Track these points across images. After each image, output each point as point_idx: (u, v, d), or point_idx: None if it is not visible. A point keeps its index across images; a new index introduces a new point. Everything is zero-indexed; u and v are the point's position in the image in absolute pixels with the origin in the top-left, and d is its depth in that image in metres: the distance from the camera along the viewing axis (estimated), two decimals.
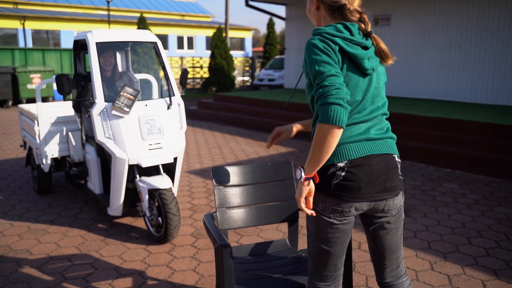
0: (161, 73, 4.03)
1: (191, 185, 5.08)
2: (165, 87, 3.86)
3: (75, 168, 4.46)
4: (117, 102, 3.28)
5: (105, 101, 3.43)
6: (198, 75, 19.78)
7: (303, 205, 1.58)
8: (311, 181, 1.56)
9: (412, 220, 3.90)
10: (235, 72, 20.11)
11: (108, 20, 18.73)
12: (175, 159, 3.74)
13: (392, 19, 9.83)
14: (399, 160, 1.66)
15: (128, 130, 3.41)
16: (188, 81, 19.00)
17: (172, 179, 3.87)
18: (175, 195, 3.72)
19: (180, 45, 26.27)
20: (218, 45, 17.38)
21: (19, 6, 24.25)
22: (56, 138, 4.38)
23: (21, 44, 20.73)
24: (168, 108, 3.62)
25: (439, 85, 9.20)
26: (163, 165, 3.87)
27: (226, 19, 20.56)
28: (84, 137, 4.21)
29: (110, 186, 3.64)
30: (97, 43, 3.54)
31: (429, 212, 4.11)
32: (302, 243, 3.43)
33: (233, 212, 2.24)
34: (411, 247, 3.35)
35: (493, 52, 8.26)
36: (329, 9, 1.62)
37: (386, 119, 1.68)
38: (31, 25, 21.12)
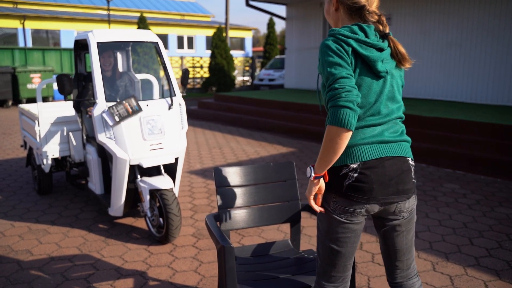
0: (161, 73, 4.03)
1: (191, 185, 5.08)
2: (166, 87, 3.85)
3: (75, 168, 4.45)
4: (114, 107, 3.25)
5: (106, 101, 3.42)
6: (198, 75, 19.77)
7: (312, 202, 1.61)
8: (321, 179, 1.59)
9: None
10: (235, 72, 20.10)
11: (108, 20, 18.72)
12: (176, 159, 3.73)
13: (393, 19, 9.83)
14: (413, 163, 1.66)
15: (129, 130, 3.40)
16: (188, 81, 18.98)
17: (173, 179, 3.86)
18: (176, 195, 3.71)
19: (180, 45, 26.26)
20: (218, 45, 17.37)
21: (19, 6, 24.23)
22: (57, 138, 4.38)
23: (21, 44, 20.72)
24: (169, 108, 3.61)
25: (439, 85, 9.19)
26: (164, 166, 3.87)
27: (226, 19, 20.55)
28: (84, 137, 4.20)
29: (111, 186, 3.63)
30: (98, 43, 3.53)
31: (430, 212, 4.11)
32: (304, 244, 3.43)
33: (235, 212, 2.24)
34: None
35: (493, 52, 8.26)
36: (348, 10, 1.62)
37: (402, 122, 1.67)
38: (31, 25, 21.11)
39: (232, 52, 25.78)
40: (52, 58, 15.83)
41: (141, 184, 3.46)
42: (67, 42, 22.09)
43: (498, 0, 8.08)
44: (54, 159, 4.60)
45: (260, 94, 11.07)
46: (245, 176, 2.27)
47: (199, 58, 20.14)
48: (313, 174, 1.56)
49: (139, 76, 4.50)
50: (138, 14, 26.64)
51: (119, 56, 4.58)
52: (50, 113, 4.60)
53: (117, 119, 3.24)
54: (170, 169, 3.86)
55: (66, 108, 5.19)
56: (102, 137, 3.38)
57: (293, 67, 12.57)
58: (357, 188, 1.54)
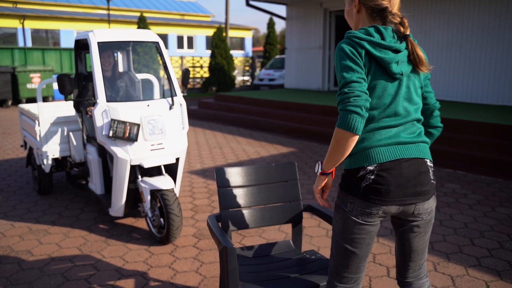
0: (162, 73, 4.02)
1: (192, 185, 5.07)
2: (167, 87, 3.84)
3: (76, 168, 4.45)
4: (115, 122, 3.24)
5: (107, 101, 3.42)
6: (198, 75, 19.76)
7: (318, 195, 1.69)
8: (329, 176, 1.65)
9: None
10: (235, 72, 20.09)
11: (108, 20, 18.71)
12: (177, 159, 3.72)
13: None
14: (432, 165, 1.66)
15: None
16: (189, 80, 18.98)
17: (174, 179, 3.86)
18: (177, 195, 3.71)
19: (180, 45, 26.25)
20: (218, 44, 17.36)
21: (19, 5, 24.21)
22: (57, 138, 4.37)
23: (21, 44, 20.70)
24: (170, 108, 3.60)
25: (439, 85, 9.19)
26: (165, 166, 3.86)
27: (226, 19, 20.54)
28: (85, 137, 4.19)
29: (112, 186, 3.62)
30: (98, 43, 3.52)
31: None
32: (306, 244, 3.42)
33: (237, 213, 2.23)
34: None
35: (493, 52, 8.26)
36: (371, 11, 1.62)
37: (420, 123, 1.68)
38: (30, 25, 21.09)
39: (232, 52, 25.77)
40: (52, 58, 15.81)
41: (142, 184, 3.45)
42: (67, 42, 22.07)
43: (499, 0, 8.08)
44: (55, 159, 4.59)
45: (260, 94, 11.06)
46: (247, 177, 2.27)
47: (199, 58, 20.14)
48: (320, 170, 1.62)
49: (140, 76, 4.49)
50: (138, 14, 26.62)
51: (119, 56, 4.57)
52: (50, 113, 4.59)
53: (111, 134, 3.24)
54: (171, 169, 3.85)
55: (66, 108, 5.18)
56: (102, 137, 3.37)
57: (293, 67, 12.57)
58: (374, 189, 1.55)
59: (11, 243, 3.49)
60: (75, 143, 4.28)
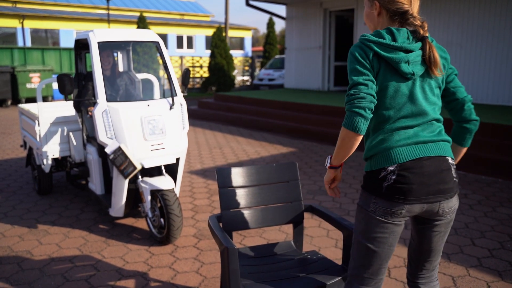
0: (161, 73, 4.02)
1: (192, 185, 5.06)
2: (167, 87, 3.84)
3: (76, 168, 4.44)
4: (121, 150, 3.24)
5: (107, 101, 3.41)
6: (198, 75, 19.75)
7: (327, 186, 1.79)
8: (337, 170, 1.73)
9: None
10: (235, 72, 20.09)
11: (108, 19, 18.69)
12: (178, 159, 3.71)
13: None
14: (453, 162, 1.66)
15: (130, 131, 3.39)
16: (189, 80, 18.99)
17: (174, 179, 3.85)
18: (178, 195, 3.70)
19: (180, 45, 26.23)
20: (218, 44, 17.35)
21: (18, 5, 24.18)
22: (57, 138, 4.36)
23: (20, 43, 20.68)
24: (171, 108, 3.60)
25: None
26: (165, 166, 3.85)
27: (226, 19, 20.53)
28: (85, 137, 4.18)
29: (112, 186, 3.61)
30: (99, 43, 3.51)
31: None
32: (307, 245, 3.42)
33: (238, 213, 2.22)
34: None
35: (493, 52, 8.25)
36: (392, 14, 1.64)
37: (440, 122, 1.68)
38: (30, 24, 21.06)
39: (231, 51, 25.76)
40: (52, 57, 15.80)
41: (142, 185, 3.44)
42: (67, 42, 22.05)
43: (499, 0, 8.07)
44: (54, 159, 4.58)
45: (260, 94, 11.06)
46: (248, 177, 2.26)
47: (199, 57, 20.13)
48: (328, 164, 1.72)
49: (140, 76, 4.48)
50: (137, 14, 26.60)
51: (119, 55, 4.56)
52: (50, 113, 4.58)
53: (111, 157, 3.27)
54: (171, 169, 3.84)
55: (66, 108, 5.17)
56: (103, 137, 3.37)
57: (293, 67, 12.56)
58: (396, 189, 1.57)
59: (11, 244, 3.48)
60: (75, 143, 4.27)
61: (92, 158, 3.90)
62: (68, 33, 22.27)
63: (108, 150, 3.30)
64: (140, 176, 3.53)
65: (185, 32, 26.29)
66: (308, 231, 3.69)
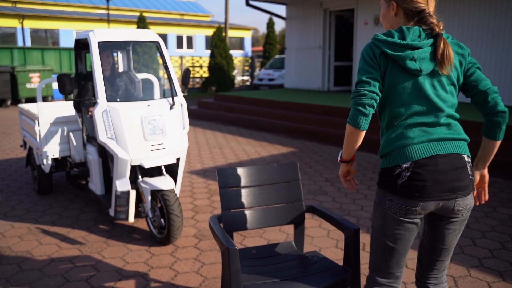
0: (161, 73, 4.01)
1: (192, 185, 5.06)
2: (167, 87, 3.83)
3: (76, 168, 4.43)
4: (124, 195, 3.28)
5: (107, 101, 3.40)
6: (197, 75, 19.75)
7: (342, 179, 1.86)
8: (349, 163, 1.78)
9: None
10: (235, 72, 20.08)
11: (108, 19, 18.68)
12: (178, 159, 3.71)
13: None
14: (469, 160, 1.66)
15: (130, 131, 3.38)
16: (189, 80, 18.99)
17: (175, 179, 3.84)
18: (178, 196, 3.69)
19: (180, 45, 26.22)
20: (218, 44, 17.35)
21: (18, 5, 24.16)
22: (57, 138, 4.35)
23: (20, 43, 20.66)
24: (171, 108, 3.59)
25: None
26: (165, 166, 3.84)
27: (226, 19, 20.52)
28: (85, 137, 4.18)
29: (112, 187, 3.60)
30: (99, 43, 3.51)
31: None
32: (307, 245, 3.41)
33: (239, 214, 2.22)
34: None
35: (493, 52, 8.25)
36: (409, 13, 1.66)
37: (456, 120, 1.68)
38: (29, 24, 21.04)
39: (231, 51, 25.74)
40: (51, 57, 15.78)
41: (142, 185, 3.44)
42: (66, 42, 22.03)
43: None
44: (54, 159, 4.57)
45: (260, 94, 11.05)
46: (249, 177, 2.25)
47: (199, 57, 20.12)
48: (340, 158, 1.79)
49: (140, 76, 4.47)
50: (137, 14, 26.59)
51: (119, 55, 4.56)
52: (50, 113, 4.57)
53: (119, 193, 3.30)
54: (171, 170, 3.84)
55: (66, 108, 5.16)
56: (103, 137, 3.36)
57: (292, 67, 12.56)
58: (411, 186, 1.59)
59: (10, 244, 3.47)
60: (75, 143, 4.27)
61: (92, 158, 3.89)
62: (68, 33, 22.25)
63: (119, 187, 3.30)
64: (140, 176, 3.52)
65: (185, 32, 26.28)
66: (308, 231, 3.69)
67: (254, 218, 2.24)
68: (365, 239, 3.52)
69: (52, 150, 4.34)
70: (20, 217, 4.05)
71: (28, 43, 20.95)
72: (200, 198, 4.61)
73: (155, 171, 3.67)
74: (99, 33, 3.55)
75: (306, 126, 8.18)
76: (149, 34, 3.77)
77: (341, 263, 3.12)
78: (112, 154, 3.42)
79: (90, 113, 3.82)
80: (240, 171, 2.24)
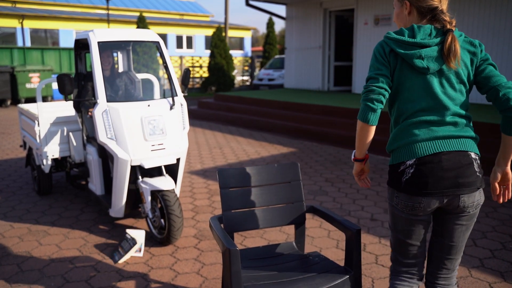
0: (161, 73, 4.01)
1: (192, 185, 5.05)
2: (167, 87, 3.83)
3: (76, 168, 4.42)
4: (129, 239, 3.27)
5: (107, 101, 3.39)
6: (197, 75, 19.74)
7: (356, 178, 1.89)
8: (362, 162, 1.81)
9: None
10: (235, 72, 20.07)
11: (108, 19, 18.67)
12: (178, 159, 3.70)
13: (393, 19, 9.81)
14: (477, 157, 1.66)
15: (130, 131, 3.37)
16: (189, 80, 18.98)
17: (175, 180, 3.83)
18: (178, 196, 3.68)
19: (179, 45, 26.21)
20: (218, 44, 17.34)
21: (18, 5, 24.15)
22: (57, 139, 4.34)
23: (20, 43, 20.65)
24: (171, 108, 3.58)
25: None
26: (165, 166, 3.83)
27: (226, 19, 20.51)
28: (85, 138, 4.17)
29: (112, 187, 3.60)
30: (99, 43, 3.50)
31: None
32: (308, 245, 3.40)
33: (240, 214, 2.21)
34: None
35: (494, 51, 8.24)
36: (422, 11, 1.69)
37: (465, 118, 1.68)
38: (29, 24, 21.03)
39: (231, 51, 25.73)
40: (51, 57, 15.77)
41: (142, 185, 3.43)
42: (66, 42, 22.02)
43: None
44: (54, 160, 4.56)
45: (260, 94, 11.04)
46: (249, 178, 2.25)
47: (199, 57, 20.11)
48: (353, 157, 1.82)
49: (140, 76, 4.47)
50: (137, 14, 26.58)
51: (119, 55, 4.55)
52: (50, 113, 4.56)
53: (128, 236, 3.30)
54: (172, 170, 3.83)
55: (66, 108, 5.15)
56: (103, 138, 3.35)
57: (292, 67, 12.55)
58: (413, 182, 1.63)
59: (10, 244, 3.46)
60: (75, 143, 4.26)
61: (92, 159, 3.88)
62: (67, 33, 22.24)
63: (130, 232, 3.31)
64: (140, 177, 3.51)
65: (184, 32, 26.27)
66: (309, 231, 3.68)
67: (255, 219, 2.23)
68: (366, 239, 3.52)
69: (52, 150, 4.33)
70: (20, 218, 4.05)
71: (28, 43, 20.94)
72: (200, 198, 4.60)
73: (155, 172, 3.66)
74: (99, 33, 3.54)
75: (306, 126, 8.18)
76: (149, 34, 3.76)
77: (342, 263, 3.11)
78: (112, 155, 3.41)
79: (90, 113, 3.81)
80: (241, 171, 2.23)
